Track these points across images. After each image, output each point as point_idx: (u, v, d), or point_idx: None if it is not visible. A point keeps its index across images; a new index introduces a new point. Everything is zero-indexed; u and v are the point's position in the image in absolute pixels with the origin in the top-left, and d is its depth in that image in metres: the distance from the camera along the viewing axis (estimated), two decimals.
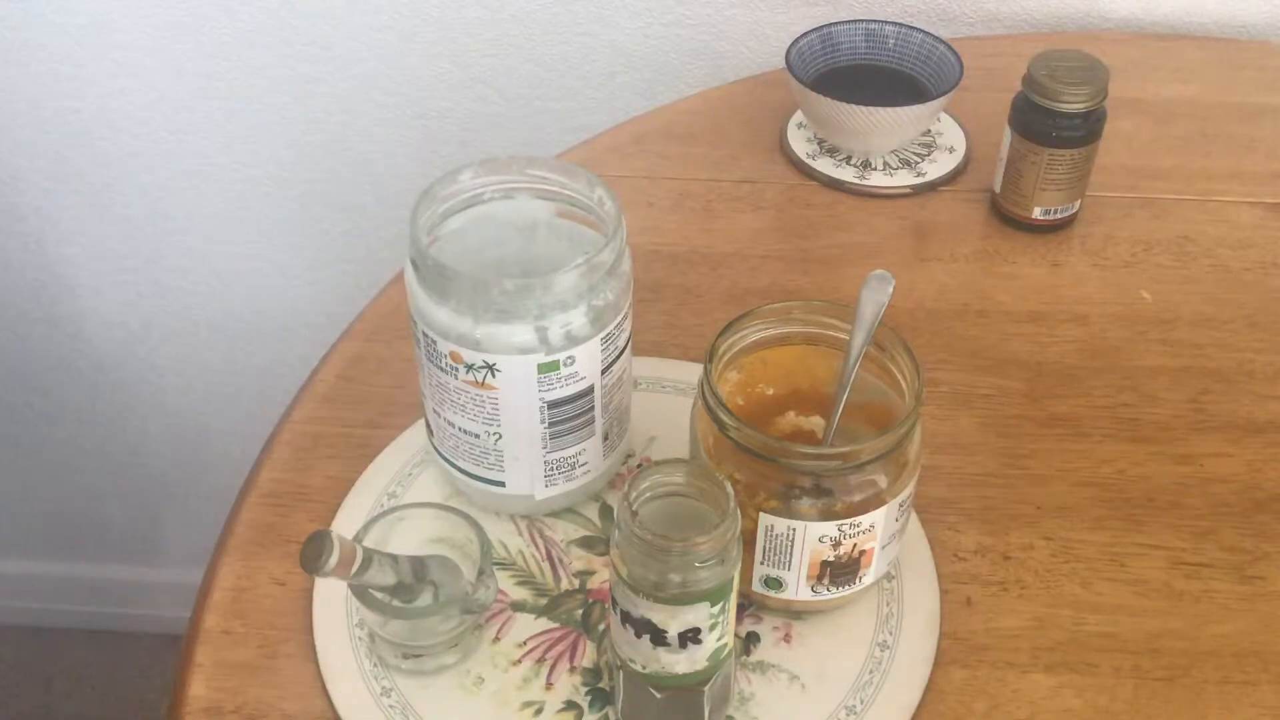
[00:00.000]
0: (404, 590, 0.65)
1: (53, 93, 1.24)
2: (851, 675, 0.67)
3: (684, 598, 0.57)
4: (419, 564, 0.66)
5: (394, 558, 0.64)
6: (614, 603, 0.60)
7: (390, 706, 0.66)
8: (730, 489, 0.58)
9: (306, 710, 0.66)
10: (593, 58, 1.20)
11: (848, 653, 0.68)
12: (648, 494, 0.58)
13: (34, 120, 1.26)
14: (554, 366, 0.66)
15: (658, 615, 0.58)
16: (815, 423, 0.68)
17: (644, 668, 0.61)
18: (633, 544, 0.57)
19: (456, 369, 0.67)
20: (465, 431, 0.70)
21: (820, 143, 1.01)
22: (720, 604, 0.58)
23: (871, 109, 0.94)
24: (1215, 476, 0.78)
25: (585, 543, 0.73)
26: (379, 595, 0.64)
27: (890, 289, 0.67)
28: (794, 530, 0.64)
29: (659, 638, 0.59)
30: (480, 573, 0.65)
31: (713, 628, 0.59)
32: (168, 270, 1.38)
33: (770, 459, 0.63)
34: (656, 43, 1.19)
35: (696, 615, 0.58)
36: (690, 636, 0.59)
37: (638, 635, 0.59)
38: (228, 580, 0.72)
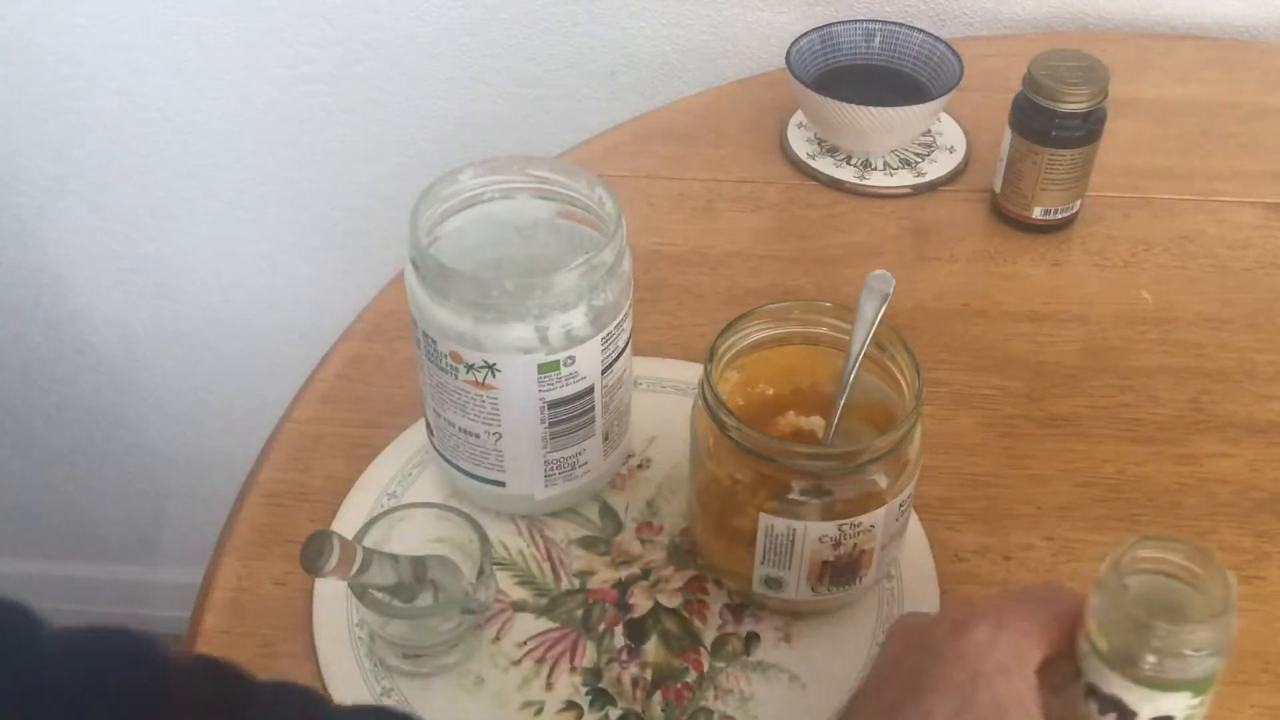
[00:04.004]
0: (404, 590, 0.65)
1: (53, 93, 1.24)
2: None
3: (1168, 684, 0.52)
4: (419, 564, 0.66)
5: (394, 558, 0.64)
6: (1077, 675, 0.55)
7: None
8: (1233, 579, 0.52)
9: None
10: (593, 58, 1.20)
11: (848, 653, 0.68)
12: (1140, 567, 0.53)
13: (34, 120, 1.26)
14: (554, 366, 0.66)
15: (1132, 696, 0.53)
16: (815, 423, 0.68)
17: None
18: (1124, 621, 0.52)
19: (456, 369, 0.66)
20: (465, 431, 0.70)
21: (820, 143, 1.01)
22: (1201, 696, 0.53)
23: (871, 109, 0.94)
24: (1215, 476, 0.78)
25: (585, 543, 0.73)
26: (379, 595, 0.64)
27: (890, 289, 0.67)
28: (794, 530, 0.64)
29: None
30: (480, 573, 0.65)
31: (1187, 719, 0.54)
32: (168, 270, 1.38)
33: (770, 459, 0.62)
34: (656, 43, 1.19)
35: (1174, 703, 0.53)
36: None
37: (1101, 712, 0.54)
38: (228, 580, 0.72)
